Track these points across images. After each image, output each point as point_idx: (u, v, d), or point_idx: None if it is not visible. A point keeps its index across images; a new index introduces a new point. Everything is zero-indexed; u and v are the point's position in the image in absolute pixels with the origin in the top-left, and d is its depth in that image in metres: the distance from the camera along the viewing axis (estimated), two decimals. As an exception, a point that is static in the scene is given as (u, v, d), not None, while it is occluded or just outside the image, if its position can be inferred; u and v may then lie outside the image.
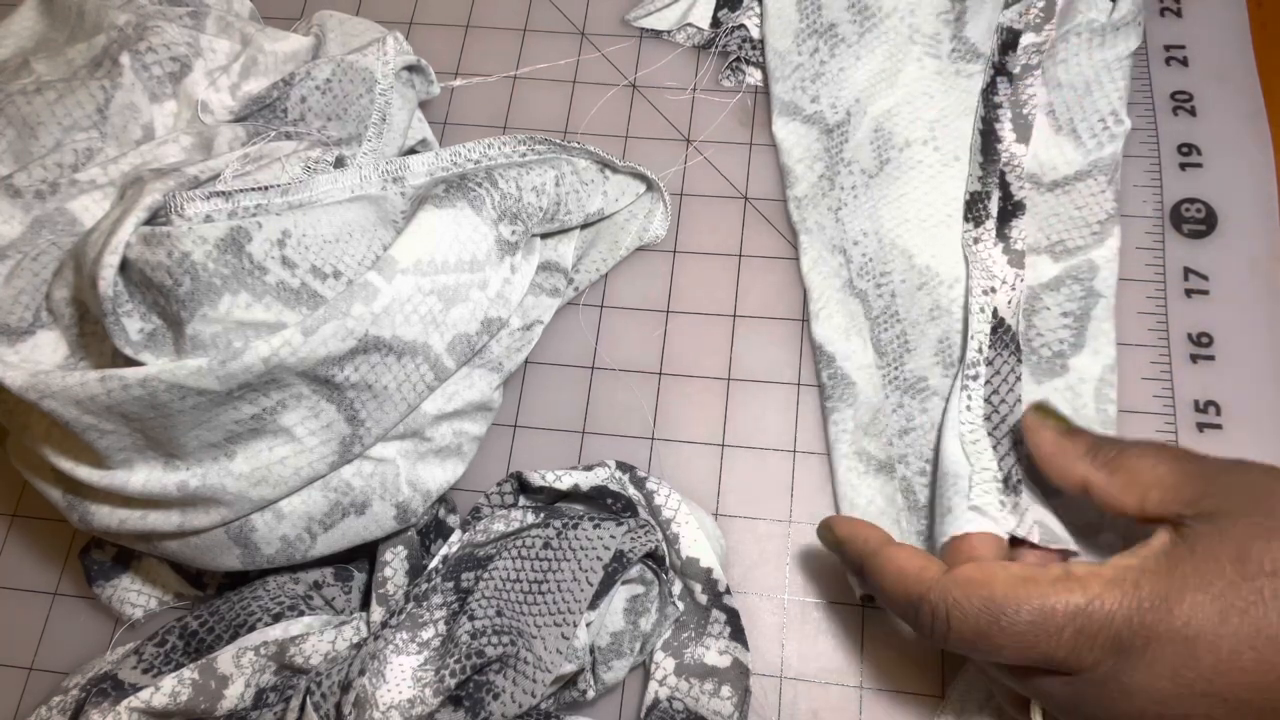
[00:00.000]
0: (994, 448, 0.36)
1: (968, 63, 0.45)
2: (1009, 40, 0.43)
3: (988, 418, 0.37)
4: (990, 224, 0.41)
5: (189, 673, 0.35)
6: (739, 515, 0.40)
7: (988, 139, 0.42)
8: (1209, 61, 0.45)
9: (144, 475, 0.34)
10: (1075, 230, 0.41)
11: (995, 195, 0.41)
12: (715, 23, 0.48)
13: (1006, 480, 0.35)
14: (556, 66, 0.49)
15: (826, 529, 0.35)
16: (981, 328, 0.38)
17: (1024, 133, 0.42)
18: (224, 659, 0.35)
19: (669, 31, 0.48)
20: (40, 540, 0.42)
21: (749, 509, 0.40)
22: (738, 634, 0.36)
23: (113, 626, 0.40)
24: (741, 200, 0.45)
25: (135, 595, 0.40)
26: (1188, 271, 0.41)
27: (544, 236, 0.41)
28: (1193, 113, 0.44)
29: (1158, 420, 0.39)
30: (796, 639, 0.38)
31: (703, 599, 0.37)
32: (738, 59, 0.47)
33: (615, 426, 0.42)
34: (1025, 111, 0.42)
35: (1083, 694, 0.28)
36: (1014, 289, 0.39)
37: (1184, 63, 0.45)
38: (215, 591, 0.40)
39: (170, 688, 0.34)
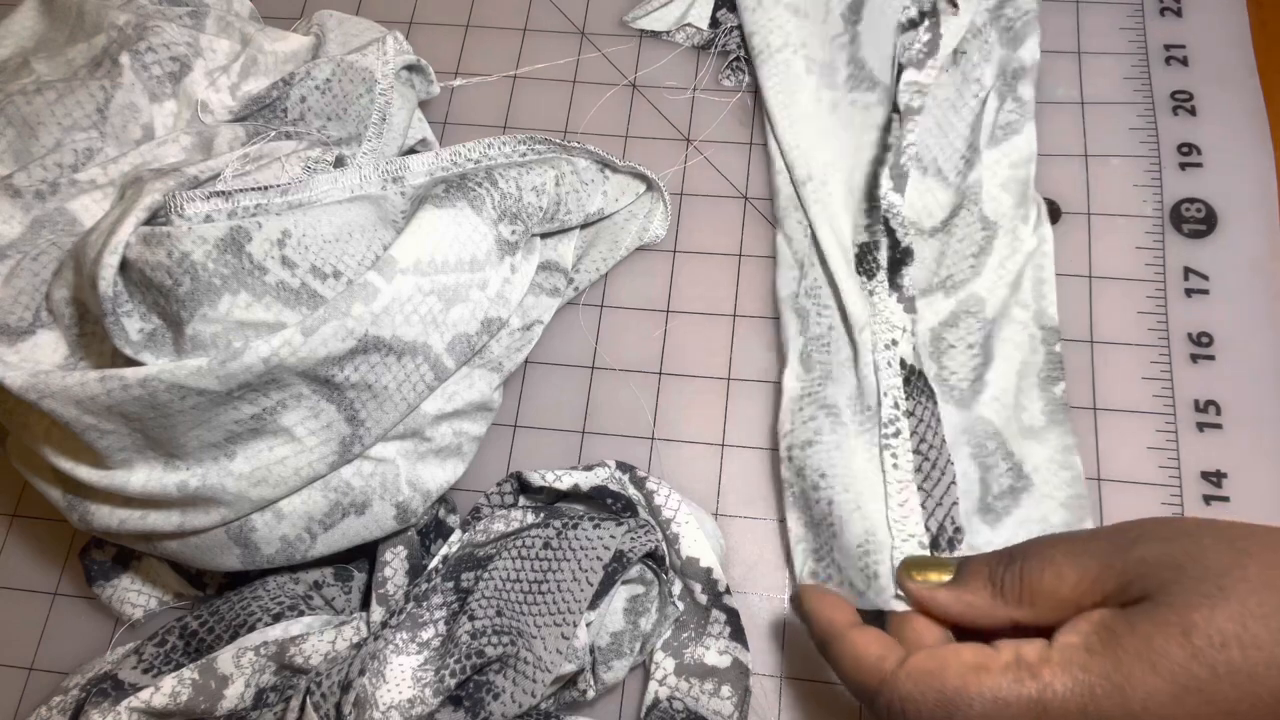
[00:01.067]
0: (924, 504, 0.36)
1: (865, 91, 0.44)
2: (897, 74, 0.43)
3: (918, 468, 0.37)
4: (882, 275, 0.40)
5: (189, 673, 0.35)
6: (739, 515, 0.40)
7: (871, 187, 0.42)
8: (1209, 61, 0.45)
9: (144, 475, 0.34)
10: (957, 263, 0.41)
11: (884, 244, 0.41)
12: (714, 23, 0.48)
13: (936, 541, 0.35)
14: (556, 66, 0.49)
15: (796, 600, 0.33)
16: (894, 382, 0.38)
17: (900, 182, 0.42)
18: (224, 659, 0.35)
19: (668, 32, 0.48)
20: (40, 540, 0.42)
21: (749, 509, 0.40)
22: (738, 634, 0.36)
23: (113, 626, 0.40)
24: (741, 200, 0.45)
25: (135, 595, 0.40)
26: (1188, 271, 0.41)
27: (544, 236, 0.41)
28: (1193, 113, 0.44)
29: (1158, 420, 0.39)
30: (797, 639, 0.38)
31: (703, 599, 0.37)
32: (737, 58, 0.47)
33: (615, 426, 0.42)
34: (902, 160, 0.42)
35: None
36: (914, 334, 0.39)
37: (1184, 63, 0.45)
38: (215, 591, 0.40)
39: (170, 688, 0.34)
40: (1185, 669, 0.25)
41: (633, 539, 0.35)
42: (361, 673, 0.34)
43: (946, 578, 0.31)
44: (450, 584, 0.36)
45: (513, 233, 0.38)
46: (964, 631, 0.30)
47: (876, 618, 0.34)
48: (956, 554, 0.35)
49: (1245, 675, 0.24)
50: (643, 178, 0.43)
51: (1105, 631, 0.26)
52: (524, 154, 0.40)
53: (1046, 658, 0.26)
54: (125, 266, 0.34)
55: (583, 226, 0.43)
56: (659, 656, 0.37)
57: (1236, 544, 0.26)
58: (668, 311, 0.43)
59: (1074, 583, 0.28)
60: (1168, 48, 0.45)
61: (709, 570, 0.37)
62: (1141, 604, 0.26)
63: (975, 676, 0.27)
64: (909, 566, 0.31)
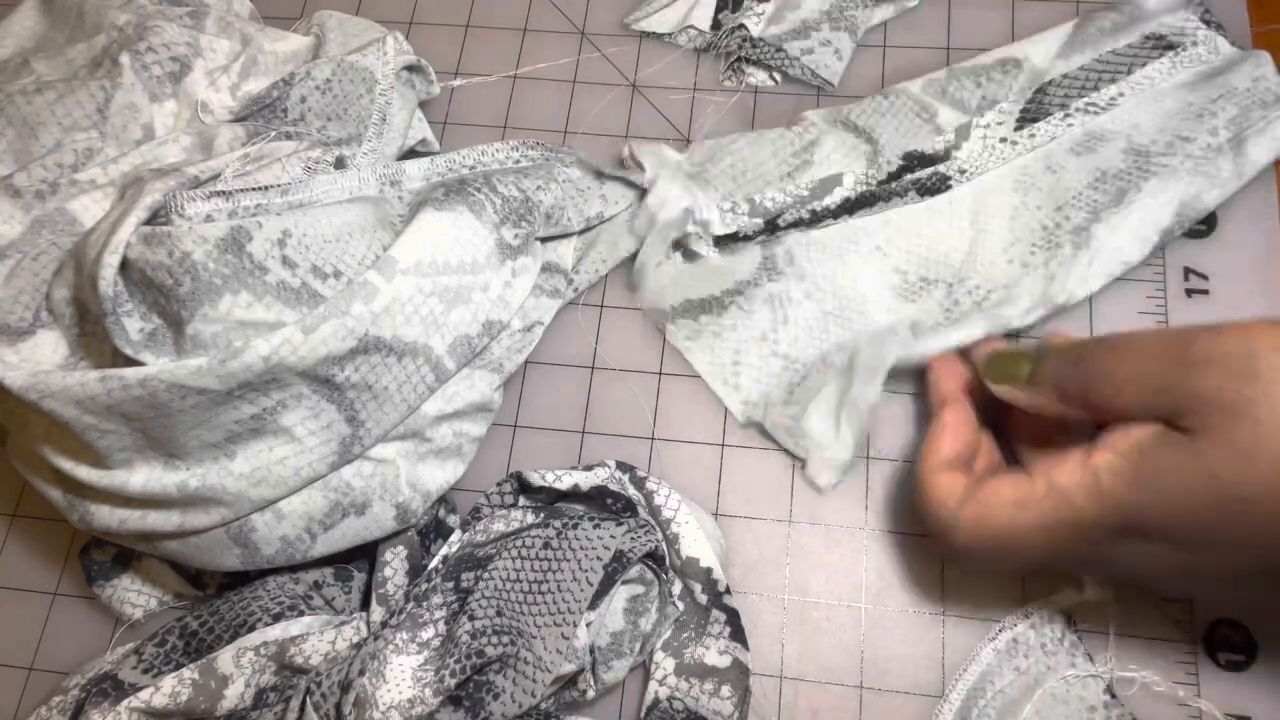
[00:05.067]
0: None
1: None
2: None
3: None
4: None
5: (189, 673, 0.35)
6: (739, 515, 0.40)
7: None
8: (1209, 61, 0.45)
9: (144, 475, 0.34)
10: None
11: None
12: (715, 25, 0.48)
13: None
14: (556, 66, 0.49)
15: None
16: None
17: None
18: (224, 659, 0.35)
19: (670, 34, 0.48)
20: (40, 540, 0.42)
21: (749, 509, 0.40)
22: (738, 634, 0.36)
23: (113, 626, 0.40)
24: (741, 200, 0.45)
25: (135, 595, 0.40)
26: (1188, 271, 0.41)
27: (544, 239, 0.41)
28: (1193, 113, 0.44)
29: (1158, 420, 0.39)
30: (796, 639, 0.38)
31: (703, 599, 0.37)
32: (738, 59, 0.47)
33: (615, 426, 0.42)
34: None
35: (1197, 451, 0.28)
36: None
37: (1184, 63, 0.45)
38: (215, 591, 0.40)
39: (170, 688, 0.34)
40: (1205, 509, 0.28)
41: (633, 539, 0.35)
42: (361, 673, 0.34)
43: (1025, 370, 0.33)
44: (450, 584, 0.36)
45: (515, 236, 0.38)
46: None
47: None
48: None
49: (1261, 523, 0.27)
50: (634, 186, 0.43)
51: (1140, 457, 0.29)
52: (517, 160, 0.40)
53: (1080, 483, 0.30)
54: (126, 266, 0.34)
55: (582, 231, 0.43)
56: (659, 656, 0.37)
57: None
58: (668, 311, 0.43)
59: (1130, 401, 0.30)
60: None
61: (709, 570, 0.37)
62: (1185, 435, 0.29)
63: (1018, 513, 0.31)
64: (992, 363, 0.35)
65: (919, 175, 0.43)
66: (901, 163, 0.43)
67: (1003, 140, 0.43)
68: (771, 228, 0.42)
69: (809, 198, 0.42)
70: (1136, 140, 0.42)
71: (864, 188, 0.42)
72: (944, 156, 0.43)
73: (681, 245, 0.43)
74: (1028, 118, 0.43)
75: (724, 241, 0.43)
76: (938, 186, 0.43)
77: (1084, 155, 0.42)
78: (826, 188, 0.42)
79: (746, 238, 0.42)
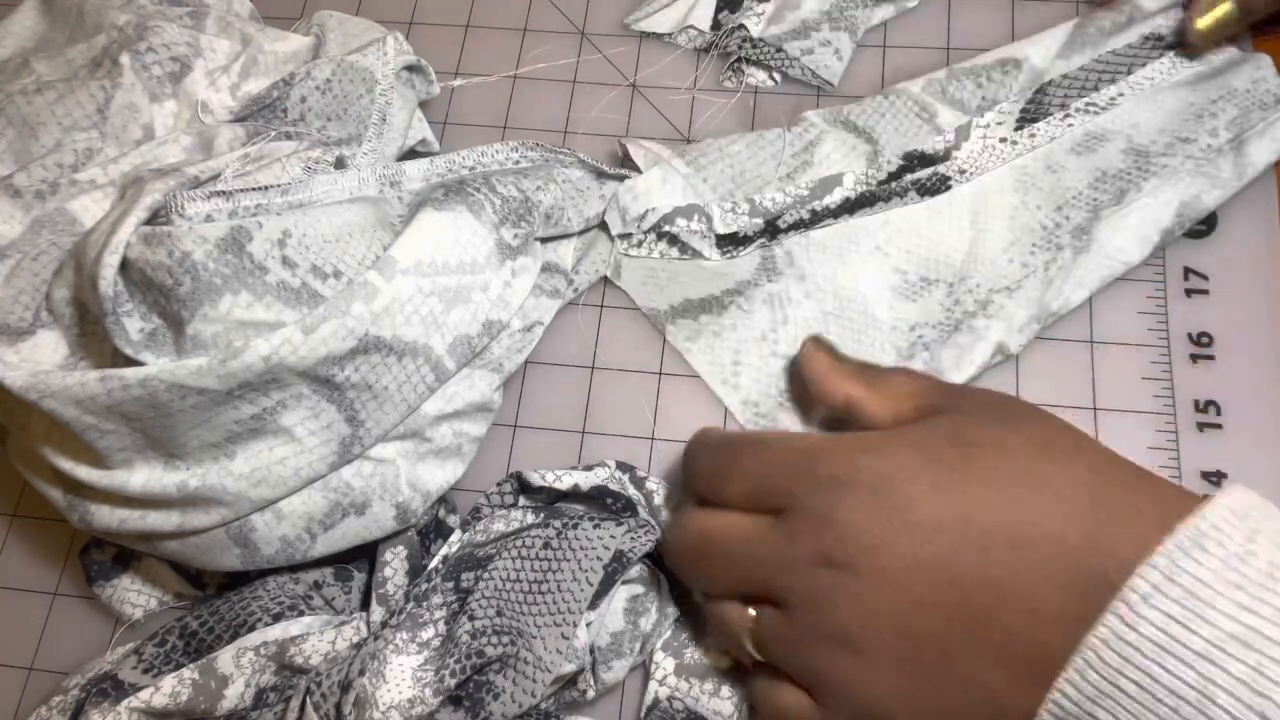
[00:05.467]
0: None
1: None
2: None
3: None
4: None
5: (189, 673, 0.35)
6: (739, 515, 0.40)
7: None
8: (1209, 61, 0.45)
9: (144, 475, 0.34)
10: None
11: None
12: (715, 25, 0.48)
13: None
14: (556, 66, 0.49)
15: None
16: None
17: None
18: (224, 659, 0.35)
19: (670, 34, 0.48)
20: (40, 540, 0.42)
21: (749, 509, 0.40)
22: (738, 634, 0.36)
23: (113, 626, 0.40)
24: (741, 200, 0.45)
25: (135, 595, 0.40)
26: (1188, 271, 0.41)
27: (544, 240, 0.41)
28: (1193, 113, 0.44)
29: (1158, 420, 0.39)
30: (796, 639, 0.38)
31: (702, 599, 0.37)
32: (738, 59, 0.47)
33: (615, 426, 0.42)
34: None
35: (789, 530, 0.30)
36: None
37: (1184, 63, 0.45)
38: (215, 591, 0.40)
39: (170, 688, 0.34)
40: (941, 448, 0.30)
41: (633, 539, 0.35)
42: (361, 673, 0.34)
43: (835, 354, 0.37)
44: (450, 584, 0.36)
45: (515, 236, 0.38)
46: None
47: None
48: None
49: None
50: None
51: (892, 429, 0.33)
52: (517, 160, 0.40)
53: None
54: (126, 266, 0.34)
55: (582, 231, 0.43)
56: (659, 656, 0.37)
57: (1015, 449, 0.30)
58: (668, 311, 0.43)
59: (914, 388, 0.34)
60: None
61: (709, 570, 0.37)
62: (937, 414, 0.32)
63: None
64: (815, 337, 0.39)
65: (919, 175, 0.42)
66: (901, 163, 0.43)
67: (1003, 140, 0.43)
68: (772, 229, 0.42)
69: (809, 197, 0.42)
70: (1136, 140, 0.42)
71: (864, 188, 0.42)
72: (944, 157, 0.43)
73: (679, 243, 0.43)
74: (1028, 118, 0.43)
75: (724, 242, 0.43)
76: (938, 187, 0.43)
77: (1084, 155, 0.42)
78: (826, 187, 0.42)
79: (746, 238, 0.42)
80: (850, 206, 0.42)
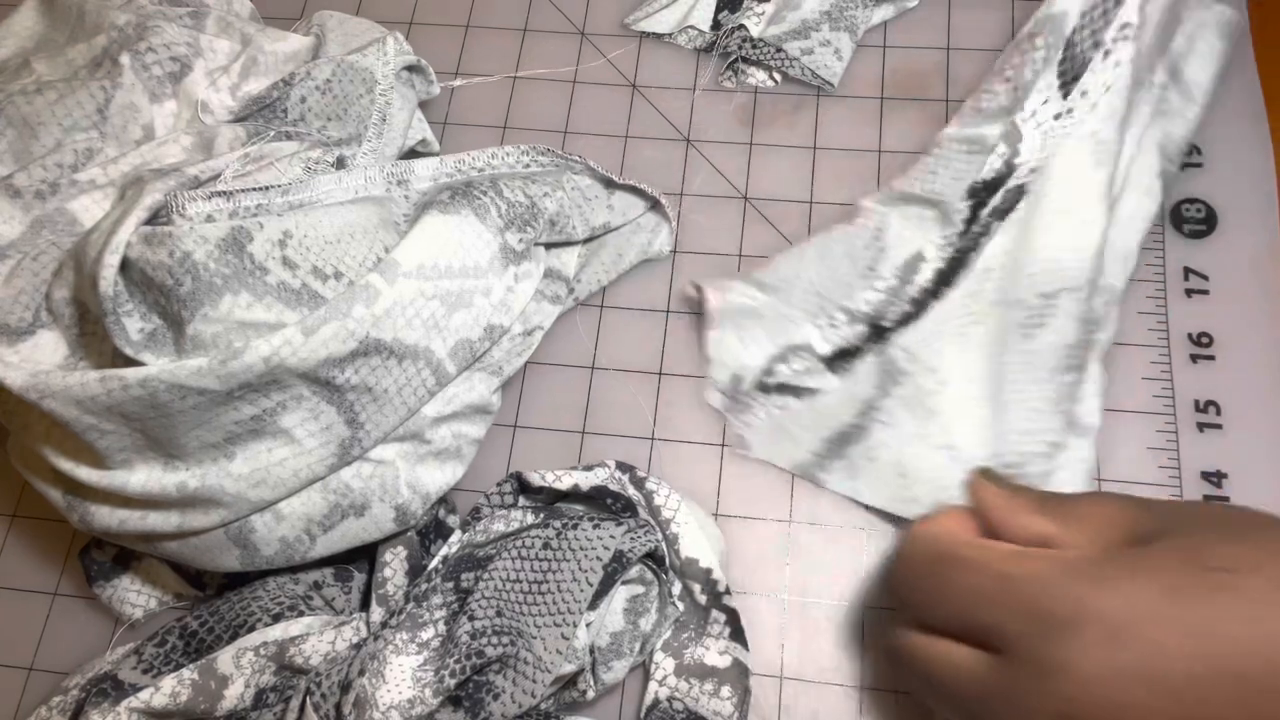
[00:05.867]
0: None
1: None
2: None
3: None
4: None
5: (189, 673, 0.35)
6: (739, 515, 0.40)
7: None
8: (1209, 62, 0.45)
9: (144, 476, 0.34)
10: None
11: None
12: (715, 25, 0.48)
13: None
14: (557, 67, 0.49)
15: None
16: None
17: None
18: (224, 659, 0.35)
19: (670, 34, 0.48)
20: (40, 540, 0.42)
21: (749, 509, 0.40)
22: (737, 634, 0.36)
23: (113, 626, 0.40)
24: (741, 200, 0.45)
25: (135, 595, 0.40)
26: (1188, 271, 0.41)
27: (548, 246, 0.41)
28: (1193, 113, 0.44)
29: (1158, 420, 0.39)
30: (796, 639, 0.38)
31: (702, 599, 0.37)
32: (738, 59, 0.47)
33: (615, 426, 0.42)
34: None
35: (1011, 678, 0.27)
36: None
37: (1184, 63, 0.45)
38: (215, 591, 0.40)
39: (170, 688, 0.34)
40: (1180, 577, 0.25)
41: (633, 539, 0.35)
42: (361, 673, 0.34)
43: (1008, 486, 0.33)
44: (450, 584, 0.36)
45: (520, 241, 0.38)
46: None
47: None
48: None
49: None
50: (645, 196, 0.43)
51: (1115, 552, 0.27)
52: (527, 165, 0.40)
53: (1047, 555, 0.28)
54: (126, 266, 0.34)
55: (587, 240, 0.43)
56: (659, 657, 0.37)
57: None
58: (668, 312, 0.43)
59: (1112, 514, 0.29)
60: (1168, 48, 0.45)
61: (709, 570, 0.37)
62: (1157, 539, 0.27)
63: (981, 550, 0.30)
64: (983, 469, 0.35)
65: (993, 205, 0.39)
66: (971, 202, 0.39)
67: (1057, 117, 0.38)
68: (878, 330, 0.40)
69: (899, 285, 0.40)
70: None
71: (948, 251, 0.39)
72: (1008, 172, 0.39)
73: (791, 388, 0.40)
74: (1069, 78, 0.38)
75: (835, 362, 0.40)
76: (1013, 201, 0.39)
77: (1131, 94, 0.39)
78: (912, 268, 0.40)
79: (857, 349, 0.39)
80: (945, 277, 0.39)
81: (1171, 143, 0.40)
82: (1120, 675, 0.25)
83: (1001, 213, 0.39)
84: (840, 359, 0.40)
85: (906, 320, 0.39)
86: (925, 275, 0.40)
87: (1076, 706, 0.25)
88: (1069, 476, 0.37)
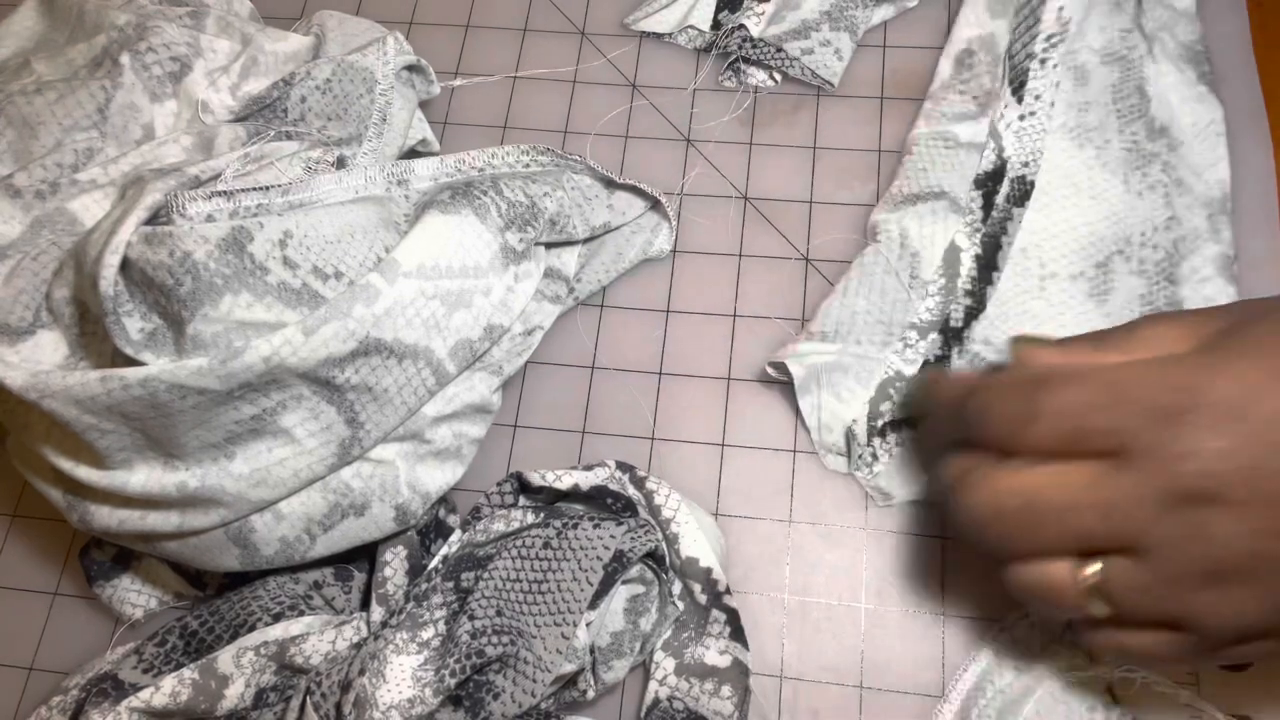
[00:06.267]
0: None
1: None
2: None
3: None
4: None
5: (189, 673, 0.35)
6: (739, 515, 0.40)
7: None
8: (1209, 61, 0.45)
9: (144, 475, 0.34)
10: None
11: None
12: (715, 25, 0.48)
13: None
14: (556, 67, 0.49)
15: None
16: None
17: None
18: (224, 659, 0.35)
19: (670, 34, 0.48)
20: (40, 540, 0.42)
21: (749, 509, 0.40)
22: (738, 634, 0.36)
23: (113, 626, 0.40)
24: (741, 200, 0.45)
25: (135, 595, 0.40)
26: (1188, 272, 0.41)
27: (548, 246, 0.41)
28: (1193, 113, 0.44)
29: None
30: (796, 639, 0.38)
31: (702, 599, 0.37)
32: (738, 59, 0.47)
33: (615, 426, 0.42)
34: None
35: (1138, 474, 0.27)
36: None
37: (1184, 63, 0.45)
38: (215, 591, 0.40)
39: (170, 688, 0.34)
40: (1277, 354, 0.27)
41: (633, 539, 0.35)
42: (361, 673, 0.34)
43: (1054, 342, 0.32)
44: (450, 584, 0.36)
45: (520, 241, 0.38)
46: None
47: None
48: None
49: None
50: (645, 196, 0.43)
51: (1202, 344, 0.28)
52: (527, 164, 0.40)
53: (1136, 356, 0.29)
54: (126, 266, 0.34)
55: (588, 239, 0.43)
56: (659, 656, 0.37)
57: None
58: (668, 311, 0.43)
59: (1174, 331, 0.29)
60: (1168, 48, 0.45)
61: (709, 570, 0.37)
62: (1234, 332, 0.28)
63: (1066, 355, 0.30)
64: (1026, 338, 0.33)
65: (1005, 192, 0.42)
66: (980, 192, 0.42)
67: (1022, 119, 0.43)
68: (953, 334, 0.40)
69: (948, 282, 0.41)
70: (1098, 47, 0.44)
71: (979, 236, 0.42)
72: (1003, 165, 0.43)
73: (900, 424, 0.39)
74: (1018, 85, 0.43)
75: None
76: (1026, 191, 0.42)
77: (1083, 85, 0.43)
78: (953, 261, 0.41)
79: (941, 358, 0.40)
80: (987, 261, 0.41)
81: (1186, 50, 0.43)
82: (1247, 444, 0.26)
83: (1019, 199, 0.42)
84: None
85: (972, 314, 0.41)
86: (968, 265, 0.41)
87: (1212, 479, 0.26)
88: None
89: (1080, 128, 0.43)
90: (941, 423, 0.33)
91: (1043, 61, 0.43)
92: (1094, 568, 0.29)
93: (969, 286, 0.41)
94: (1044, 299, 0.41)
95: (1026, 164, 0.42)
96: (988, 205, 0.42)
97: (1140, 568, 0.28)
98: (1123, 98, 0.43)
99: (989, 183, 0.42)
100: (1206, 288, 0.40)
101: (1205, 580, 0.27)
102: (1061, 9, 0.44)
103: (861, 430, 0.39)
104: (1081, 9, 0.44)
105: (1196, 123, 0.42)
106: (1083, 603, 0.29)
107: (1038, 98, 0.43)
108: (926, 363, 0.40)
